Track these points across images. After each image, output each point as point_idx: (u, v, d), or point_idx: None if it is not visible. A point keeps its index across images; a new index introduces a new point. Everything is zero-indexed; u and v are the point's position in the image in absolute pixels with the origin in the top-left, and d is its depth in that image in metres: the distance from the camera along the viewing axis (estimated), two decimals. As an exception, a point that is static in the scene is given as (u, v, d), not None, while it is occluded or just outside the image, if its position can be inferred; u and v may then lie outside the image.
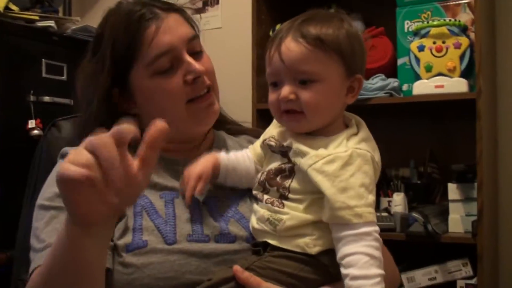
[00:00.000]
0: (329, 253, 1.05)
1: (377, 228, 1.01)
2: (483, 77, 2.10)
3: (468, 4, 2.24)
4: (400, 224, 2.24)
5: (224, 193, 1.21)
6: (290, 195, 1.07)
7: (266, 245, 1.09)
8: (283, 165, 1.10)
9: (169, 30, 1.18)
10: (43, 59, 2.60)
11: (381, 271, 0.97)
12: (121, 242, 1.09)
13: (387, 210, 2.35)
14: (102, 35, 1.23)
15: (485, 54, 2.19)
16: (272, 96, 1.11)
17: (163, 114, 1.15)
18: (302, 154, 1.06)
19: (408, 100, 2.28)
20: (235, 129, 1.42)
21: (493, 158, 2.38)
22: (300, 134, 1.11)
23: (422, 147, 2.47)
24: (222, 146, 1.31)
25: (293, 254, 1.06)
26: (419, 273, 2.25)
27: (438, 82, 2.18)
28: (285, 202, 1.08)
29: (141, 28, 1.18)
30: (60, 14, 3.00)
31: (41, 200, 1.15)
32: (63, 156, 1.20)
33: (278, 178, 1.10)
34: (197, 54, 1.23)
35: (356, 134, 1.10)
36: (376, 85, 2.30)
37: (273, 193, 1.10)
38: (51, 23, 2.70)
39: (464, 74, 2.17)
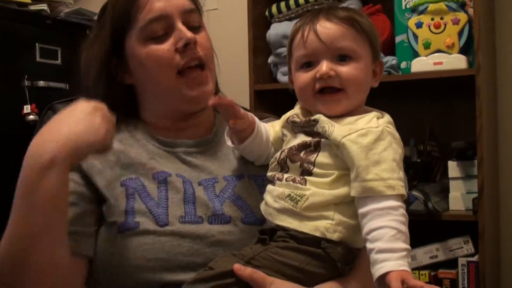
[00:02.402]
0: (340, 247, 1.03)
1: (403, 204, 1.00)
2: (482, 53, 2.08)
3: (466, -21, 2.21)
4: (400, 202, 2.23)
5: (221, 174, 1.20)
6: (315, 170, 1.06)
7: (273, 233, 1.07)
8: (308, 140, 1.09)
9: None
10: (37, 43, 2.58)
11: (407, 246, 0.96)
12: (113, 222, 1.10)
13: (387, 189, 2.34)
14: (104, 11, 1.26)
15: (484, 30, 2.17)
16: (304, 77, 1.10)
17: (154, 83, 1.21)
18: (331, 124, 1.05)
19: (406, 78, 2.26)
20: None
21: (493, 135, 2.37)
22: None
23: (421, 125, 2.45)
24: (225, 128, 1.27)
25: (301, 246, 1.03)
26: (421, 252, 2.25)
27: (437, 59, 2.16)
28: (308, 178, 1.06)
29: None
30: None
31: None
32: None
33: (302, 154, 1.08)
34: (195, 29, 1.22)
35: (382, 117, 1.10)
36: (374, 64, 2.27)
37: (295, 171, 1.08)
38: (44, 6, 2.66)
39: (463, 51, 2.15)
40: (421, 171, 2.40)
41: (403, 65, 2.30)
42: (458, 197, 2.22)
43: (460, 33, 2.14)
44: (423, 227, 2.30)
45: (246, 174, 1.22)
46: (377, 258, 0.95)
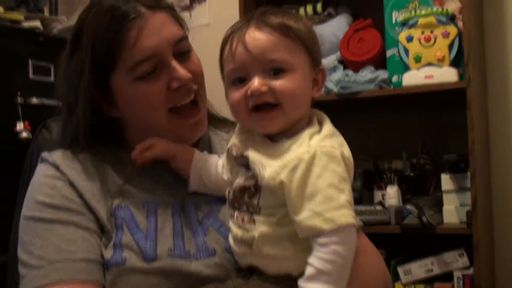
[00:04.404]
0: None
1: (347, 237, 0.91)
2: (472, 66, 2.10)
3: (456, -8, 2.23)
4: (394, 216, 2.23)
5: (203, 199, 1.15)
6: (262, 210, 0.99)
7: (252, 268, 1.02)
8: (246, 183, 1.01)
9: (154, 32, 1.09)
10: (30, 60, 2.58)
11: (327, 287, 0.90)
12: (104, 256, 1.06)
13: (381, 203, 2.34)
14: (82, 32, 1.13)
15: (474, 43, 2.18)
16: (236, 94, 1.00)
17: (144, 121, 1.14)
18: (262, 166, 0.97)
19: (398, 91, 2.27)
20: (225, 126, 1.32)
21: (485, 147, 2.37)
22: (261, 139, 1.02)
23: (413, 138, 2.46)
24: (206, 147, 1.23)
25: (279, 279, 0.99)
26: (416, 266, 2.25)
27: (428, 73, 2.17)
28: (256, 217, 0.99)
29: (124, 29, 1.08)
30: (46, 14, 2.97)
31: (28, 211, 1.10)
32: (43, 160, 1.16)
33: (245, 197, 1.01)
34: (184, 54, 1.14)
35: (318, 131, 0.99)
36: (365, 78, 2.29)
37: (243, 210, 1.01)
38: (37, 23, 2.67)
39: (453, 63, 2.16)
40: (415, 184, 2.41)
41: (394, 78, 2.31)
42: (452, 210, 2.22)
43: (450, 46, 2.16)
44: (418, 241, 2.32)
45: None
46: None
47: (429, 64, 2.18)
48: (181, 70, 1.10)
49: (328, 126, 1.01)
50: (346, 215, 0.91)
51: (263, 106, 0.99)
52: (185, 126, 1.15)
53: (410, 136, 2.50)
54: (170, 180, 1.16)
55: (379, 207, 2.29)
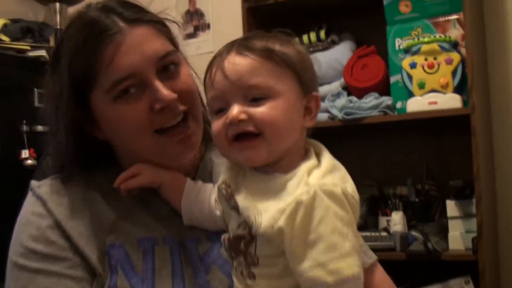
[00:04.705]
0: None
1: (356, 284, 0.85)
2: (476, 92, 2.10)
3: (458, 19, 2.24)
4: (400, 243, 2.22)
5: (203, 233, 1.05)
6: (260, 261, 0.90)
7: None
8: (240, 231, 0.92)
9: (133, 49, 0.99)
10: (35, 89, 2.59)
11: None
12: None
13: (386, 229, 2.33)
14: (62, 46, 1.05)
15: (477, 69, 2.19)
16: (217, 124, 0.92)
17: (129, 144, 1.04)
18: (258, 212, 0.88)
19: (402, 117, 2.27)
20: None
21: (490, 173, 2.37)
22: (252, 174, 0.94)
23: (418, 164, 2.46)
24: (207, 173, 1.14)
25: None
26: (421, 293, 2.23)
27: (432, 99, 2.17)
28: (255, 270, 0.90)
29: (100, 45, 0.98)
30: (52, 44, 3.00)
31: (14, 255, 1.04)
32: (31, 190, 1.09)
33: (241, 246, 0.91)
34: (171, 72, 1.03)
35: (317, 165, 0.91)
36: (369, 104, 2.29)
37: (241, 262, 0.92)
38: (43, 52, 2.69)
39: (457, 90, 2.17)
40: (420, 210, 2.39)
41: (398, 105, 2.31)
42: (458, 237, 2.21)
43: (453, 73, 2.16)
44: (424, 268, 2.30)
45: None
46: None
47: (433, 90, 2.18)
48: (163, 91, 0.99)
49: (327, 159, 0.92)
50: (351, 266, 0.83)
51: (244, 135, 0.90)
52: (171, 144, 1.03)
53: (414, 162, 2.50)
54: (167, 212, 1.07)
55: (384, 233, 2.28)
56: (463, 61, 2.16)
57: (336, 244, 0.83)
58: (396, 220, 2.29)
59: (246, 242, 0.91)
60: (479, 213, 2.07)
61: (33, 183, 1.09)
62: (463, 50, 2.19)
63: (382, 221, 2.42)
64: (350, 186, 0.89)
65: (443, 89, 2.17)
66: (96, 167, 1.10)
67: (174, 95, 1.00)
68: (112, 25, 1.00)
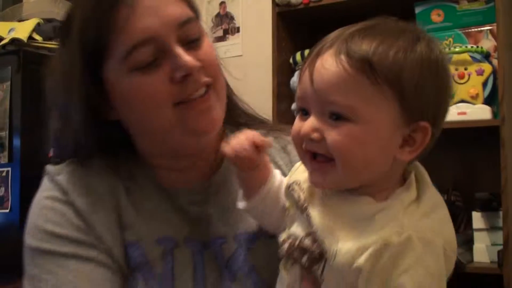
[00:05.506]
0: None
1: None
2: (506, 104, 2.08)
3: (491, 30, 2.22)
4: (424, 253, 2.19)
5: (233, 232, 0.97)
6: (324, 285, 0.78)
7: None
8: (307, 242, 0.79)
9: (150, 12, 0.88)
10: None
11: None
12: None
13: (410, 239, 2.31)
14: (72, 17, 0.94)
15: (508, 81, 2.16)
16: (295, 126, 0.80)
17: (145, 121, 0.94)
18: (334, 239, 0.75)
19: (430, 127, 2.25)
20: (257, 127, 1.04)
21: (518, 186, 2.33)
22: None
23: (445, 175, 2.44)
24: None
25: None
26: (444, 304, 2.20)
27: (461, 109, 2.15)
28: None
29: (113, 6, 0.88)
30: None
31: (33, 240, 0.95)
32: (48, 175, 1.01)
33: (303, 260, 0.79)
34: (193, 42, 0.92)
35: (416, 200, 0.77)
36: (398, 113, 2.27)
37: (296, 272, 0.82)
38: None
39: (487, 101, 2.15)
40: (445, 221, 2.37)
41: (427, 114, 2.29)
42: (483, 249, 2.18)
43: (484, 84, 2.14)
44: (447, 280, 2.27)
45: (262, 233, 0.96)
46: None
47: (462, 101, 2.16)
48: (185, 56, 0.89)
49: (430, 194, 0.79)
50: None
51: (321, 156, 0.78)
52: (192, 116, 0.91)
53: (441, 173, 2.46)
54: (196, 211, 0.99)
55: (408, 244, 2.26)
56: (494, 72, 2.14)
57: None
58: (421, 230, 2.27)
59: (312, 259, 0.78)
60: (506, 226, 2.04)
61: (49, 167, 1.02)
62: (494, 61, 2.17)
63: (407, 230, 2.39)
64: (449, 231, 0.78)
65: (473, 99, 2.15)
66: (114, 154, 1.01)
67: (197, 63, 0.90)
68: None
